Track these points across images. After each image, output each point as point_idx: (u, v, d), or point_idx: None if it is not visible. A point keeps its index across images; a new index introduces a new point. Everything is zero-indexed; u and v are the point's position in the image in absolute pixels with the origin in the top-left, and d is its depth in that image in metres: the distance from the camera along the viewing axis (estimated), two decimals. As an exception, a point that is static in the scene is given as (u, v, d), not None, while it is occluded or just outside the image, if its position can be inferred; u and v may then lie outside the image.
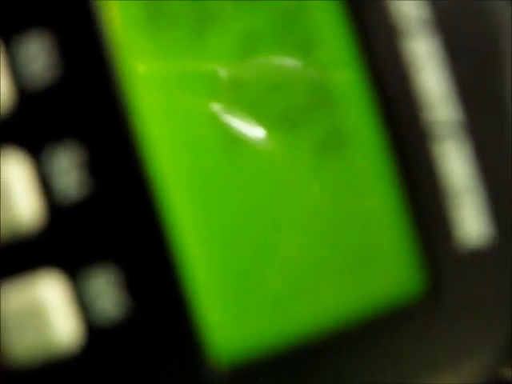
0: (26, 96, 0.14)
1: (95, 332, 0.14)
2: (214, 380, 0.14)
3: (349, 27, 0.14)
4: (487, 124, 0.15)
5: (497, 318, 0.15)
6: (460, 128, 0.14)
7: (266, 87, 0.15)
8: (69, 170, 0.14)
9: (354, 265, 0.15)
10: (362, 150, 0.15)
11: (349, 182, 0.15)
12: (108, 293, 0.14)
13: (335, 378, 0.14)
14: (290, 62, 0.15)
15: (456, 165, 0.15)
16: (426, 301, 0.14)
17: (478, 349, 0.15)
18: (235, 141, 0.15)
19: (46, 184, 0.14)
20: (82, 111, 0.14)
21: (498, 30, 0.15)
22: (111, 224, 0.14)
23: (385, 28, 0.14)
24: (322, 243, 0.15)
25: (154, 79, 0.15)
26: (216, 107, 0.15)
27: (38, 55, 0.14)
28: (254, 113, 0.15)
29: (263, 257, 0.15)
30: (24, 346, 0.14)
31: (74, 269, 0.14)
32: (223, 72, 0.15)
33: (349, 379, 0.14)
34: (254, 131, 0.15)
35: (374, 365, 0.14)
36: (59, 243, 0.14)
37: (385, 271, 0.15)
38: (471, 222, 0.15)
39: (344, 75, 0.15)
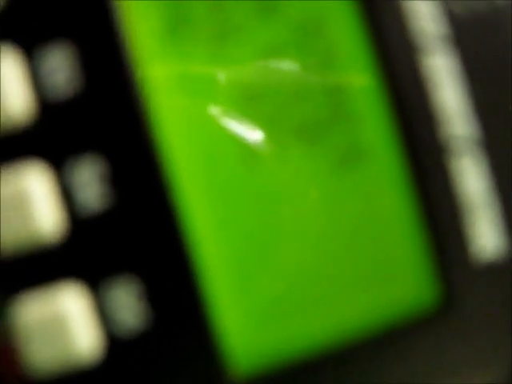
0: (47, 107, 0.14)
1: (116, 343, 0.14)
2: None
3: (368, 41, 0.15)
4: (503, 139, 0.15)
5: (510, 331, 0.15)
6: (477, 143, 0.15)
7: (285, 99, 0.15)
8: (90, 182, 0.14)
9: (370, 277, 0.15)
10: (379, 164, 0.15)
11: (366, 195, 0.15)
12: (129, 304, 0.14)
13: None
14: (309, 75, 0.15)
15: (472, 180, 0.15)
16: (441, 314, 0.15)
17: (492, 363, 0.15)
18: (253, 152, 0.15)
19: (67, 196, 0.14)
20: (103, 123, 0.14)
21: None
22: (132, 236, 0.14)
23: (404, 44, 0.14)
24: (340, 254, 0.15)
25: (175, 90, 0.15)
26: (235, 117, 0.15)
27: (60, 67, 0.14)
28: (273, 124, 0.15)
29: (281, 267, 0.15)
30: (45, 357, 0.14)
31: (95, 280, 0.14)
32: (243, 82, 0.15)
33: None
34: (272, 143, 0.15)
35: (386, 377, 0.15)
36: (80, 255, 0.14)
37: (400, 284, 0.15)
38: (486, 236, 0.15)
39: (363, 89, 0.15)
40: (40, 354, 0.14)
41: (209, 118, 0.15)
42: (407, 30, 0.14)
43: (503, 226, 0.15)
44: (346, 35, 0.15)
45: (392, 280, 0.15)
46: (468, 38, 0.15)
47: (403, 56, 0.15)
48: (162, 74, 0.15)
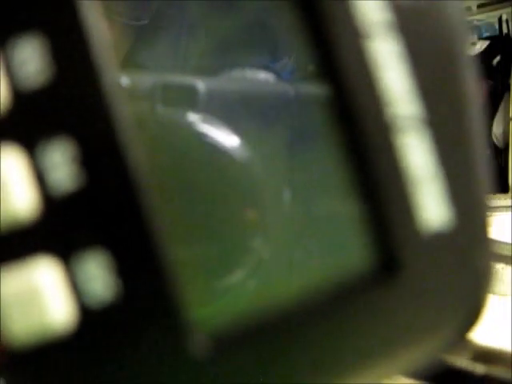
0: (20, 96, 0.15)
1: (88, 314, 0.15)
2: (197, 349, 0.15)
3: (313, 29, 0.16)
4: (446, 116, 0.16)
5: (457, 297, 0.16)
6: (421, 121, 0.16)
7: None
8: (62, 163, 0.15)
9: (319, 243, 0.16)
10: (328, 143, 0.16)
11: (317, 171, 0.16)
12: (99, 276, 0.15)
13: (300, 348, 0.16)
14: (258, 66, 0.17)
15: (417, 155, 0.16)
16: (387, 280, 0.16)
17: (439, 326, 0.16)
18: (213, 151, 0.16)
19: (40, 176, 0.15)
20: (73, 109, 0.15)
21: (453, 32, 0.16)
22: (101, 212, 0.15)
23: (349, 30, 0.16)
24: (293, 224, 0.16)
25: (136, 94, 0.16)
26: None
27: (31, 58, 0.15)
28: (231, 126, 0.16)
29: (240, 236, 0.16)
30: (21, 328, 0.15)
31: (67, 255, 0.15)
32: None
33: (311, 349, 0.16)
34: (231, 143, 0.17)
35: (336, 338, 0.16)
36: (53, 231, 0.15)
37: (347, 250, 0.16)
38: (432, 207, 0.16)
39: (310, 75, 0.16)
40: (17, 324, 0.15)
41: (171, 123, 0.16)
42: (352, 16, 0.16)
43: (448, 198, 0.16)
44: (289, 25, 0.16)
45: (340, 247, 0.16)
46: (410, 22, 0.16)
47: (349, 42, 0.16)
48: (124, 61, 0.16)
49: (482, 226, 0.16)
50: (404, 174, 0.16)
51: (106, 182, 0.15)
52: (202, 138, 0.17)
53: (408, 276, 0.16)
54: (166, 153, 0.16)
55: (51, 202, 0.15)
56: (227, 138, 0.17)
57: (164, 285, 0.15)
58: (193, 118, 0.17)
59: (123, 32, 0.17)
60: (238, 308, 0.16)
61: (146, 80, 0.17)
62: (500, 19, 2.10)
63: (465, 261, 0.16)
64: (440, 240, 0.16)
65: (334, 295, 0.16)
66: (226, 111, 0.17)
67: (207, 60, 0.17)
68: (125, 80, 0.16)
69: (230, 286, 0.16)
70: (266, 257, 0.17)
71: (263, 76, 0.17)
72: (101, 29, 0.15)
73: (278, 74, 0.17)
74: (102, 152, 0.15)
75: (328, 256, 0.16)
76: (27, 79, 0.15)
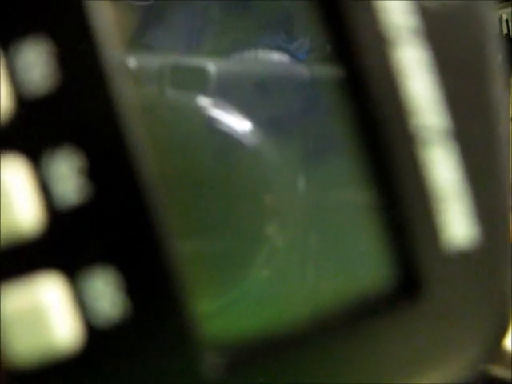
0: (24, 103, 0.14)
1: (94, 333, 0.14)
2: (209, 369, 0.14)
3: (340, 34, 0.15)
4: (473, 130, 0.15)
5: (482, 316, 0.15)
6: (447, 133, 0.15)
7: (259, 91, 0.16)
8: (68, 175, 0.14)
9: (340, 262, 0.15)
10: (349, 156, 0.15)
11: (337, 185, 0.15)
12: (106, 294, 0.14)
13: (314, 368, 0.15)
14: (281, 67, 0.16)
15: (443, 169, 0.15)
16: (411, 300, 0.15)
17: (463, 347, 0.16)
18: (224, 137, 0.16)
19: (45, 189, 0.14)
20: (79, 118, 0.14)
21: (484, 39, 0.15)
22: (108, 227, 0.14)
23: (374, 36, 0.15)
24: (308, 238, 0.15)
25: (146, 80, 0.15)
26: (208, 107, 0.16)
27: (36, 63, 0.14)
28: (247, 116, 0.16)
29: (251, 248, 0.15)
30: (25, 347, 0.14)
31: (73, 271, 0.14)
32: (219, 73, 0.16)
33: (327, 370, 0.15)
34: (246, 135, 0.16)
35: (355, 360, 0.15)
36: (59, 246, 0.14)
37: (369, 269, 0.15)
38: (457, 224, 0.15)
39: (334, 81, 0.15)
40: (21, 344, 0.14)
41: (179, 102, 0.15)
42: (378, 22, 0.15)
43: (474, 215, 0.15)
44: (315, 29, 0.15)
45: (361, 263, 0.15)
46: (438, 30, 0.15)
47: (374, 48, 0.15)
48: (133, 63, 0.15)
49: (507, 244, 0.16)
50: (429, 189, 0.15)
51: (114, 194, 0.14)
52: (212, 123, 0.16)
53: (431, 295, 0.15)
54: (176, 139, 0.15)
55: (56, 216, 0.14)
56: (239, 123, 0.16)
57: (174, 303, 0.14)
58: (203, 101, 0.16)
59: (130, 15, 0.16)
60: (250, 326, 0.15)
61: (155, 61, 0.16)
62: (500, 19, 2.07)
63: (490, 280, 0.15)
64: (465, 258, 0.15)
65: (353, 314, 0.15)
66: (238, 94, 0.16)
67: (218, 41, 0.16)
68: (132, 61, 0.16)
69: (244, 300, 0.15)
70: (279, 245, 0.16)
71: (277, 57, 0.16)
72: (110, 33, 0.14)
73: (292, 55, 0.16)
74: (109, 163, 0.14)
75: (348, 273, 0.16)
76: (31, 85, 0.14)
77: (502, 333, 0.16)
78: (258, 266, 0.16)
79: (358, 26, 0.15)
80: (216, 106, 0.16)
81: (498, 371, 0.39)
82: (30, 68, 0.14)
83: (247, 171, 0.16)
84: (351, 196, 0.16)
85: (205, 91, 0.16)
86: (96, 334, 0.14)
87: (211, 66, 0.16)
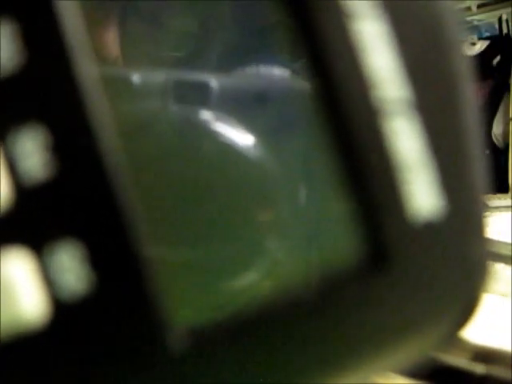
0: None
1: (61, 306, 0.14)
2: (174, 343, 0.14)
3: (299, 11, 0.15)
4: (435, 100, 0.15)
5: (449, 286, 0.15)
6: (409, 104, 0.15)
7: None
8: (33, 151, 0.14)
9: (307, 233, 0.15)
10: (313, 130, 0.15)
11: (303, 158, 0.16)
12: (72, 268, 0.14)
13: (286, 343, 0.15)
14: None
15: (406, 140, 0.15)
16: (377, 270, 0.15)
17: (433, 317, 0.16)
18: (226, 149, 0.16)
19: (11, 166, 0.14)
20: (44, 95, 0.15)
21: (443, 14, 0.16)
22: (73, 202, 0.14)
23: (333, 11, 0.15)
24: (278, 214, 0.16)
25: (150, 94, 0.16)
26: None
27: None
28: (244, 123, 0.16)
29: (253, 237, 0.16)
30: (-9, 322, 0.14)
31: (39, 246, 0.14)
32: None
33: (298, 344, 0.15)
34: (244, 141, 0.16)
35: (325, 334, 0.15)
36: (25, 222, 0.14)
37: (334, 240, 0.15)
38: (422, 195, 0.15)
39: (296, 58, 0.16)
40: (-13, 318, 0.14)
41: (184, 122, 0.16)
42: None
43: (439, 186, 0.15)
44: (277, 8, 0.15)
45: (328, 238, 0.15)
46: (398, 5, 0.15)
47: (333, 23, 0.15)
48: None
49: (475, 215, 0.16)
50: (393, 160, 0.15)
51: (79, 170, 0.15)
52: (215, 137, 0.16)
53: (398, 267, 0.15)
54: (179, 150, 0.15)
55: (22, 192, 0.14)
56: (241, 137, 0.16)
57: (140, 277, 0.14)
58: (206, 115, 0.16)
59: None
60: (219, 301, 0.15)
61: (158, 76, 0.17)
62: (500, 19, 2.10)
63: (458, 251, 0.15)
64: (431, 230, 0.15)
65: (321, 288, 0.15)
66: (240, 109, 0.16)
67: (221, 57, 0.16)
68: (136, 77, 0.16)
69: (211, 276, 0.15)
70: (257, 264, 0.16)
71: (278, 72, 0.16)
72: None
73: (294, 70, 0.16)
74: (75, 139, 0.15)
75: (317, 247, 0.16)
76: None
77: (472, 306, 0.16)
78: (224, 240, 0.16)
79: (317, 3, 0.15)
80: (218, 119, 0.16)
81: (498, 371, 0.39)
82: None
83: (248, 181, 0.16)
84: (319, 173, 0.16)
85: (207, 105, 0.17)
86: (62, 308, 0.14)
87: (213, 82, 0.16)
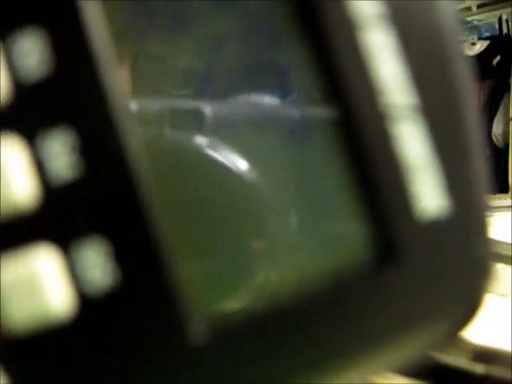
0: (21, 87, 0.15)
1: (86, 301, 0.15)
2: (195, 336, 0.15)
3: (308, 20, 0.16)
4: (439, 105, 0.16)
5: (455, 283, 0.16)
6: (415, 110, 0.16)
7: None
8: (61, 153, 0.15)
9: (318, 234, 0.16)
10: (324, 134, 0.16)
11: (314, 163, 0.16)
12: (97, 264, 0.15)
13: (299, 337, 0.16)
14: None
15: (413, 143, 0.16)
16: (385, 268, 0.16)
17: (439, 312, 0.16)
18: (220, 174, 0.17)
19: (40, 166, 0.15)
20: (72, 100, 0.15)
21: (447, 20, 0.16)
22: (98, 201, 0.15)
23: (343, 21, 0.16)
24: (290, 214, 0.16)
25: (147, 121, 0.16)
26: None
27: (32, 50, 0.15)
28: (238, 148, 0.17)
29: (240, 223, 0.16)
30: (21, 315, 0.15)
31: (66, 242, 0.15)
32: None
33: (310, 338, 0.16)
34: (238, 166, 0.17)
35: (334, 327, 0.16)
36: (52, 219, 0.15)
37: (345, 240, 0.16)
38: (428, 195, 0.16)
39: (304, 66, 0.16)
40: (17, 312, 0.15)
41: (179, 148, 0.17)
42: (345, 8, 0.16)
43: (444, 186, 0.16)
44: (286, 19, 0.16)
45: (338, 236, 0.16)
46: (402, 13, 0.16)
47: (343, 33, 0.16)
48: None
49: (479, 214, 0.17)
50: (400, 162, 0.16)
51: (104, 171, 0.15)
52: (209, 161, 0.17)
53: (405, 264, 0.16)
54: (171, 167, 0.16)
55: (50, 191, 0.15)
56: (234, 162, 0.17)
57: (163, 272, 0.15)
58: (200, 141, 0.17)
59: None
60: (237, 297, 0.16)
61: (155, 104, 0.18)
62: (500, 19, 2.11)
63: (462, 249, 0.16)
64: (437, 228, 0.16)
65: (332, 285, 0.16)
66: (233, 135, 0.17)
67: (214, 84, 0.17)
68: (134, 105, 0.17)
69: (230, 275, 0.16)
70: (271, 262, 0.17)
71: (268, 100, 0.17)
72: (100, 22, 0.15)
73: (282, 98, 0.17)
74: (101, 141, 0.15)
75: (327, 246, 0.16)
76: (27, 71, 0.15)
77: (476, 303, 0.17)
78: (245, 240, 0.17)
79: (326, 12, 0.16)
80: (212, 144, 0.17)
81: (498, 371, 0.39)
82: (26, 56, 0.15)
83: (240, 206, 0.17)
84: (325, 173, 0.17)
85: (201, 131, 0.18)
86: (88, 302, 0.15)
87: (207, 109, 0.17)
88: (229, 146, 0.17)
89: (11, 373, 0.15)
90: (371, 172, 0.16)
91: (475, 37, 2.06)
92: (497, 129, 1.89)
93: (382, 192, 0.16)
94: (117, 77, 0.16)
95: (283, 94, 0.17)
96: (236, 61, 0.17)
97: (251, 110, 0.17)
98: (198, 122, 0.17)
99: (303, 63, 0.16)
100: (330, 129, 0.16)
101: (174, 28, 0.17)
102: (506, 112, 1.90)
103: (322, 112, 0.16)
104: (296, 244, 0.17)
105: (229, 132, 0.17)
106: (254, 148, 0.17)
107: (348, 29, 0.16)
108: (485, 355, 0.41)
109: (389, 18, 0.16)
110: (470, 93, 0.16)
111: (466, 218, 0.16)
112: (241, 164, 0.17)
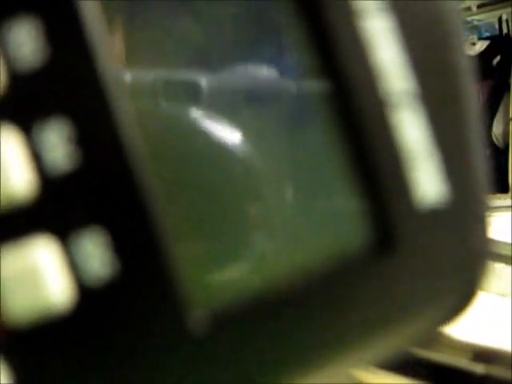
0: (16, 77, 0.15)
1: (85, 291, 0.15)
2: (194, 326, 0.15)
3: (308, 10, 0.16)
4: (439, 92, 0.16)
5: (451, 272, 0.16)
6: (414, 96, 0.16)
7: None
8: (58, 143, 0.15)
9: (317, 221, 0.16)
10: (324, 121, 0.16)
11: (314, 149, 0.16)
12: (96, 255, 0.15)
13: (298, 324, 0.16)
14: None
15: (412, 130, 0.16)
16: (388, 255, 0.16)
17: (437, 299, 0.16)
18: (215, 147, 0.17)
19: (37, 157, 0.15)
20: (68, 90, 0.15)
21: (445, 11, 0.16)
22: (97, 191, 0.15)
23: (342, 9, 0.16)
24: (289, 201, 0.16)
25: (141, 93, 0.16)
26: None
27: (27, 40, 0.15)
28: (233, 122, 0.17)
29: (242, 231, 0.16)
30: (21, 306, 0.15)
31: (64, 233, 0.15)
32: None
33: (310, 325, 0.16)
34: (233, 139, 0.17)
35: (333, 314, 0.16)
36: (51, 210, 0.15)
37: (344, 226, 0.16)
38: (428, 183, 0.16)
39: (305, 53, 0.16)
40: (17, 303, 0.15)
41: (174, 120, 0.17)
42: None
43: (443, 173, 0.16)
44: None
45: (336, 223, 0.16)
46: (402, 1, 0.16)
47: (342, 21, 0.16)
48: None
49: (478, 203, 0.16)
50: (399, 149, 0.16)
51: (102, 161, 0.15)
52: (204, 134, 0.17)
53: (403, 251, 0.16)
54: (168, 147, 0.16)
55: (48, 182, 0.15)
56: (229, 134, 0.17)
57: (161, 261, 0.15)
58: (195, 113, 0.17)
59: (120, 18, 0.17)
60: (237, 285, 0.16)
61: (148, 75, 0.17)
62: (500, 19, 2.10)
63: (460, 237, 0.16)
64: (436, 216, 0.16)
65: (330, 272, 0.16)
66: (229, 107, 0.17)
67: (210, 56, 0.17)
68: (127, 76, 0.17)
69: (229, 262, 0.16)
70: (268, 250, 0.17)
71: (266, 72, 0.17)
72: (95, 11, 0.15)
73: (281, 70, 0.17)
74: (98, 131, 0.15)
75: (325, 233, 0.16)
76: (22, 61, 0.15)
77: (472, 290, 0.17)
78: (243, 228, 0.16)
79: (328, 5, 0.16)
80: (207, 117, 0.17)
81: (498, 371, 0.39)
82: (21, 45, 0.15)
83: (235, 177, 0.17)
84: (328, 162, 0.16)
85: (197, 103, 0.17)
86: (87, 293, 0.15)
87: (203, 80, 0.17)
88: (225, 119, 0.17)
89: (11, 364, 0.15)
90: (370, 158, 0.16)
91: (475, 37, 2.06)
92: (497, 129, 1.89)
93: (381, 177, 0.16)
94: (113, 64, 0.15)
95: (281, 69, 0.17)
96: (233, 32, 0.17)
97: (248, 83, 0.17)
98: (193, 95, 0.17)
99: (302, 44, 0.16)
100: (328, 108, 0.16)
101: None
102: (506, 112, 1.90)
103: (320, 89, 0.16)
104: (293, 225, 0.17)
105: (225, 105, 0.17)
106: (251, 122, 0.17)
107: (348, 14, 0.16)
108: (485, 355, 0.41)
109: (389, 4, 0.16)
110: (469, 80, 0.16)
111: (465, 205, 0.16)
112: (237, 138, 0.17)
